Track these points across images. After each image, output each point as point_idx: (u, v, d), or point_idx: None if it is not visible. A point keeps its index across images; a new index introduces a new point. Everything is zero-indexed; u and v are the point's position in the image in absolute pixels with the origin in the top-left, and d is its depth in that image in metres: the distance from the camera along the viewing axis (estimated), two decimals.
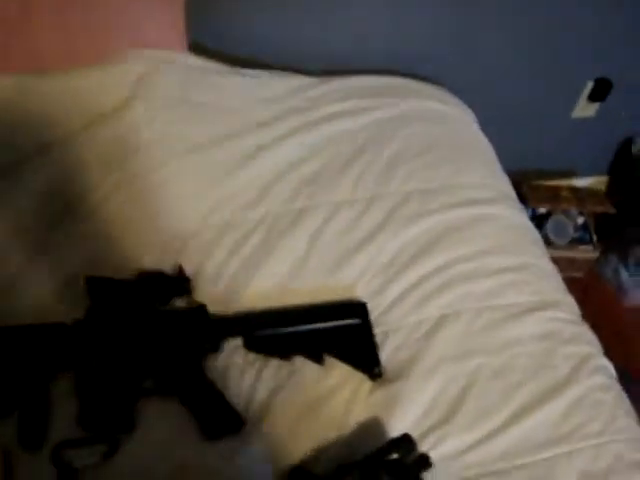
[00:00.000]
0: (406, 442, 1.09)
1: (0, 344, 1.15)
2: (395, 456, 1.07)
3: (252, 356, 1.23)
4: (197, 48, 1.66)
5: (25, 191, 1.35)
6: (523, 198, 2.14)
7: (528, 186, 2.35)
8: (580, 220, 2.38)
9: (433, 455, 1.11)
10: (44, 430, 1.12)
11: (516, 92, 2.18)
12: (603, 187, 2.65)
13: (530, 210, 2.29)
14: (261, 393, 1.19)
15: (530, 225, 1.57)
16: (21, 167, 1.38)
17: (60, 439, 1.11)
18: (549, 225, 2.33)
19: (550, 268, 1.46)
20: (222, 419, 1.15)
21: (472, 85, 1.91)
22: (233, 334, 1.22)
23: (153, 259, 1.31)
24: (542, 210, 2.37)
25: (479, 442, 1.18)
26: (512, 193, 1.64)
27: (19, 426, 1.11)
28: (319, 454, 1.14)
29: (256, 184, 1.44)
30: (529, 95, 2.21)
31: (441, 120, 1.70)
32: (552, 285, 1.42)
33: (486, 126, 1.79)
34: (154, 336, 1.19)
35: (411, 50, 1.94)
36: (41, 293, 1.25)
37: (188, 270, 1.28)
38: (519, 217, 1.56)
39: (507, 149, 1.75)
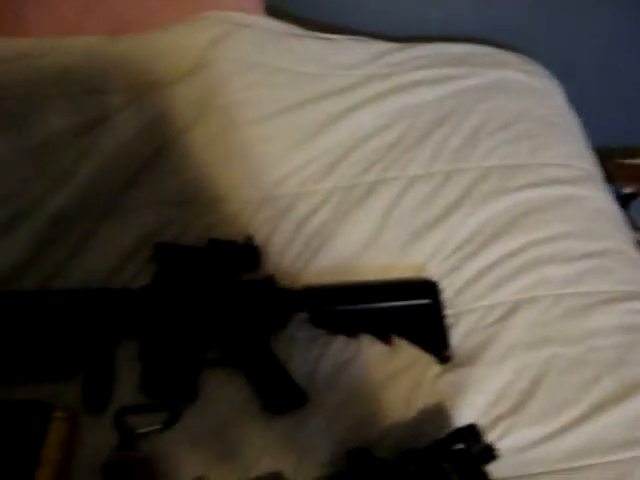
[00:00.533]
0: (472, 433, 1.04)
1: (66, 306, 1.16)
2: (460, 446, 1.03)
3: (318, 331, 1.20)
4: (274, 11, 1.61)
5: (96, 153, 1.34)
6: (608, 177, 2.02)
7: (614, 164, 2.23)
8: None
9: (499, 446, 1.06)
10: (108, 393, 1.13)
11: (605, 63, 2.06)
12: None
13: (614, 190, 2.18)
14: (325, 370, 1.17)
15: (616, 208, 1.49)
16: (94, 127, 1.37)
17: (123, 404, 1.12)
18: (634, 207, 2.21)
19: (636, 256, 1.38)
20: (285, 394, 1.13)
21: (558, 55, 1.80)
22: (300, 308, 1.19)
23: (223, 227, 1.29)
24: (628, 190, 2.25)
25: (548, 437, 1.13)
26: (598, 173, 1.56)
27: (84, 388, 1.12)
28: (381, 436, 1.11)
29: (330, 154, 1.40)
30: (619, 66, 2.08)
31: (526, 92, 1.61)
32: (638, 275, 1.34)
33: (572, 98, 1.69)
34: (221, 306, 1.17)
35: (496, 16, 1.84)
36: (109, 257, 1.25)
37: (257, 240, 1.25)
38: (604, 199, 1.48)
39: (593, 123, 1.66)
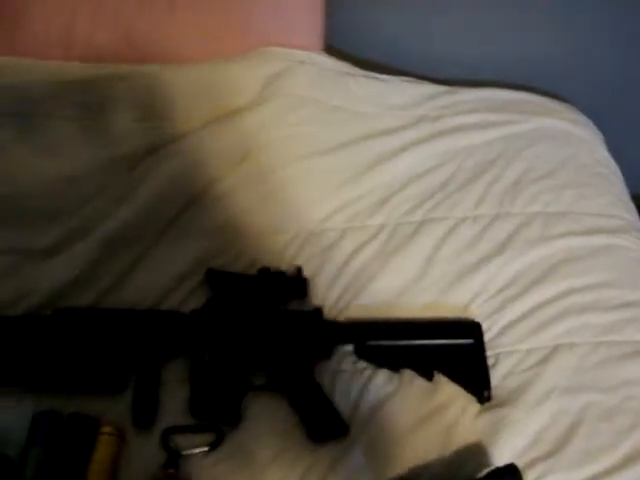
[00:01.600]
0: (512, 472, 1.06)
1: (118, 324, 1.20)
2: None
3: (362, 364, 1.23)
4: (331, 51, 1.66)
5: (151, 180, 1.38)
6: None
7: None
8: None
9: None
10: (155, 411, 1.16)
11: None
12: None
13: None
14: (367, 403, 1.19)
15: None
16: (148, 157, 1.42)
17: (170, 424, 1.15)
18: None
19: None
20: (328, 423, 1.15)
21: (600, 104, 1.83)
22: (346, 341, 1.22)
23: (272, 257, 1.32)
24: None
25: None
26: (638, 223, 1.58)
27: (133, 404, 1.16)
28: (420, 471, 1.13)
29: (378, 192, 1.43)
30: None
31: (569, 141, 1.64)
32: None
33: (612, 147, 1.72)
34: (269, 334, 1.21)
35: (540, 65, 1.88)
36: (160, 281, 1.29)
37: (305, 272, 1.29)
38: None
39: (630, 171, 1.69)
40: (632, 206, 1.60)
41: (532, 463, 1.14)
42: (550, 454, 1.16)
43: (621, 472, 1.16)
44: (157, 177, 1.39)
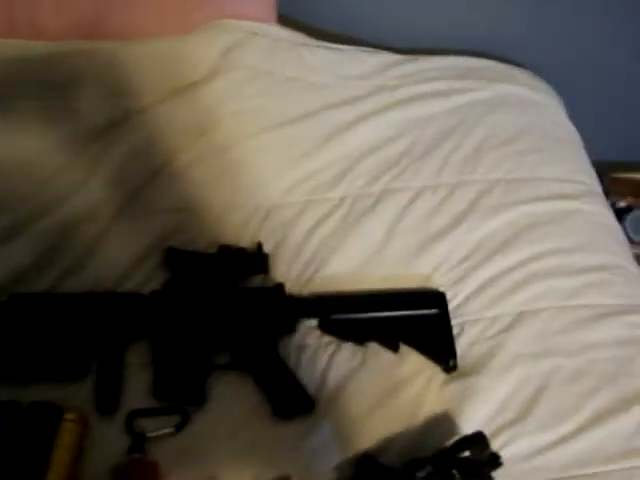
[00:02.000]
0: (479, 440, 1.06)
1: (77, 309, 1.17)
2: (467, 454, 1.04)
3: (326, 339, 1.22)
4: (284, 21, 1.63)
5: (109, 158, 1.35)
6: (603, 191, 2.05)
7: (608, 178, 2.25)
8: None
9: (502, 455, 1.08)
10: (118, 395, 1.14)
11: (603, 78, 2.08)
12: None
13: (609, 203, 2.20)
14: (333, 377, 1.18)
15: (616, 224, 1.52)
16: (107, 135, 1.38)
17: (133, 408, 1.13)
18: (628, 220, 2.24)
19: (636, 271, 1.41)
20: (294, 400, 1.14)
21: (559, 70, 1.82)
22: (309, 315, 1.21)
23: (233, 233, 1.30)
24: (621, 204, 2.28)
25: (549, 446, 1.16)
26: (598, 188, 1.59)
27: (95, 390, 1.13)
28: (388, 444, 1.13)
29: (338, 163, 1.41)
30: (615, 79, 2.10)
31: (530, 107, 1.64)
32: (637, 289, 1.37)
33: (571, 114, 1.72)
34: (231, 312, 1.19)
35: (498, 31, 1.86)
36: (119, 261, 1.26)
37: (266, 247, 1.27)
38: (605, 214, 1.51)
39: (588, 138, 1.69)
40: (593, 172, 1.61)
41: (499, 430, 1.15)
42: (516, 420, 1.17)
43: (585, 434, 1.17)
44: (114, 155, 1.35)
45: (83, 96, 1.41)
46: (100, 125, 1.38)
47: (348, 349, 1.21)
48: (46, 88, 1.42)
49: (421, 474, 1.01)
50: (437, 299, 1.25)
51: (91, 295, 1.20)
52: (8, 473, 1.06)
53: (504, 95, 1.63)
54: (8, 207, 1.29)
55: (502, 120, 1.57)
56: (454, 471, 1.01)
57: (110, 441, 1.11)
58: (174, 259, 1.23)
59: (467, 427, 1.14)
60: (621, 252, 1.44)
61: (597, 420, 1.19)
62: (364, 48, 1.64)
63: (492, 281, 1.31)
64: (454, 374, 1.20)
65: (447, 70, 1.63)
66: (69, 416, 1.10)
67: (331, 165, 1.41)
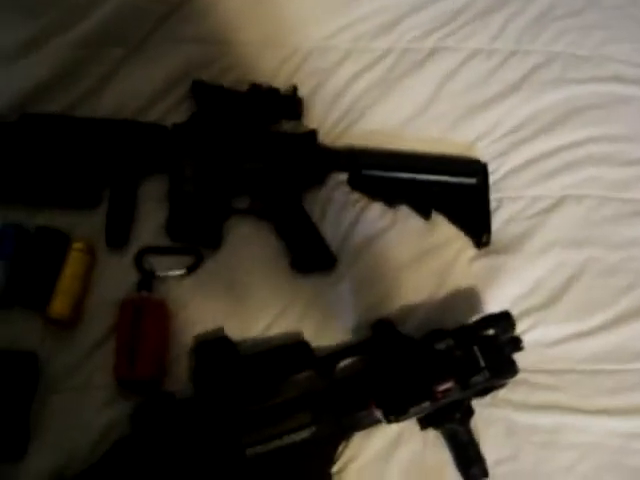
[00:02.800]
0: (505, 320, 1.02)
1: (93, 134, 1.10)
2: (490, 332, 0.99)
3: (355, 195, 1.16)
4: None
5: None
6: None
7: None
8: None
9: (525, 338, 1.04)
10: (129, 229, 1.09)
11: None
12: None
13: None
14: (358, 236, 1.14)
15: None
16: None
17: (145, 244, 1.09)
18: None
19: None
20: (314, 253, 1.10)
21: None
22: (340, 168, 1.14)
23: (266, 72, 1.21)
24: None
25: (575, 337, 1.13)
26: None
27: (107, 220, 1.08)
28: (408, 312, 1.10)
29: (391, 11, 1.30)
30: None
31: None
32: None
33: None
34: (257, 155, 1.12)
35: None
36: (141, 90, 1.18)
37: (302, 91, 1.18)
38: None
39: None
40: None
41: (526, 312, 1.12)
42: (544, 306, 1.14)
43: (612, 329, 1.14)
44: None
45: None
46: None
47: (377, 209, 1.16)
48: None
49: (440, 346, 0.97)
50: (477, 169, 1.18)
51: (109, 121, 1.12)
52: (14, 296, 1.03)
53: None
54: (27, 18, 1.19)
55: None
56: (475, 347, 0.97)
57: (118, 276, 1.07)
58: (201, 92, 1.14)
59: (492, 306, 1.10)
60: None
61: (627, 317, 1.15)
62: None
63: (538, 159, 1.24)
64: (486, 250, 1.15)
65: None
66: (77, 245, 1.06)
67: (381, 12, 1.30)
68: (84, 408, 1.00)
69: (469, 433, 1.00)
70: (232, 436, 0.93)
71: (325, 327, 1.07)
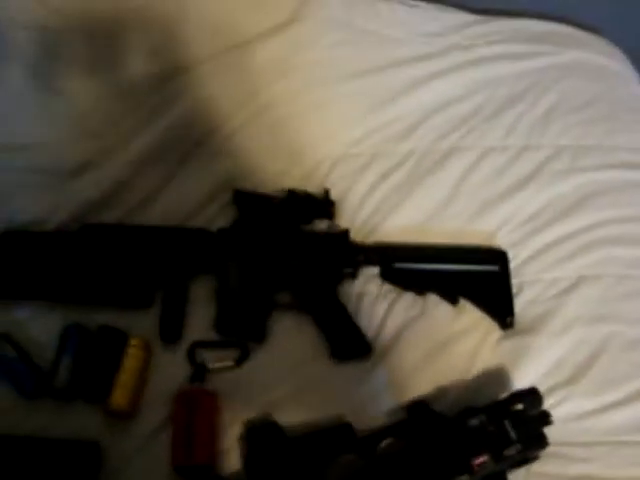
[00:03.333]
0: (533, 395, 1.08)
1: (148, 241, 1.21)
2: (520, 407, 1.06)
3: (387, 287, 1.24)
4: None
5: (178, 103, 1.37)
6: None
7: None
8: None
9: (553, 414, 1.09)
10: (181, 325, 1.18)
11: None
12: None
13: None
14: (392, 325, 1.21)
15: None
16: (179, 77, 1.40)
17: (196, 339, 1.17)
18: None
19: None
20: (352, 343, 1.17)
21: (634, 39, 1.77)
22: (372, 263, 1.23)
23: (299, 181, 1.32)
24: None
25: (601, 410, 1.17)
26: None
27: (160, 318, 1.18)
28: (441, 393, 1.16)
29: (408, 118, 1.42)
30: None
31: (603, 75, 1.60)
32: None
33: None
34: (296, 254, 1.21)
35: None
36: (186, 201, 1.29)
37: (333, 194, 1.28)
38: None
39: None
40: None
41: (552, 389, 1.17)
42: (570, 381, 1.19)
43: (636, 402, 1.18)
44: (187, 98, 1.38)
45: (148, 39, 1.43)
46: (168, 69, 1.40)
47: (408, 299, 1.24)
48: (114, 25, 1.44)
49: (474, 422, 1.03)
50: (498, 257, 1.26)
51: (160, 228, 1.24)
52: (77, 390, 1.12)
53: (578, 61, 1.60)
54: (83, 143, 1.33)
55: (574, 86, 1.54)
56: (506, 422, 1.03)
57: (172, 370, 1.16)
58: (242, 200, 1.26)
59: (520, 384, 1.16)
60: None
61: None
62: (440, 6, 1.62)
63: (554, 244, 1.32)
64: (510, 331, 1.22)
65: (521, 33, 1.61)
66: (134, 342, 1.15)
67: (400, 119, 1.42)
68: None
69: None
70: None
71: (364, 411, 1.13)
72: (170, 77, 1.41)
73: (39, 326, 1.18)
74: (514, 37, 1.58)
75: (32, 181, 1.28)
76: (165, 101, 1.37)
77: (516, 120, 1.45)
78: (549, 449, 1.04)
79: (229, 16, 1.47)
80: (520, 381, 1.17)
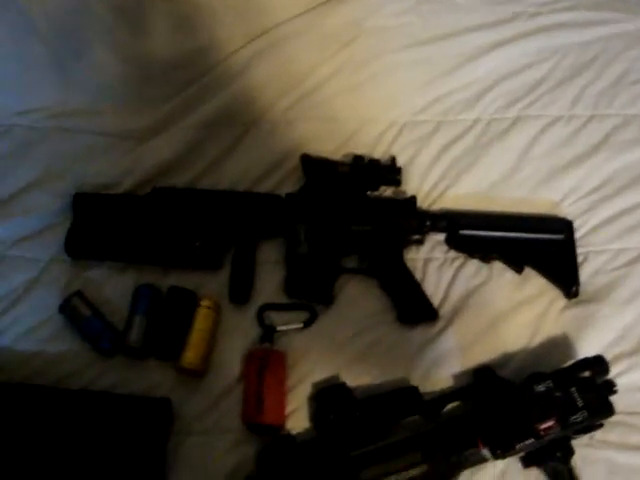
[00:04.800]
0: (600, 363, 1.09)
1: (217, 204, 1.24)
2: (586, 374, 1.07)
3: (453, 254, 1.26)
4: None
5: (247, 71, 1.39)
6: None
7: None
8: None
9: (618, 382, 1.10)
10: (250, 287, 1.22)
11: None
12: None
13: None
14: (457, 291, 1.23)
15: None
16: (248, 45, 1.41)
17: (265, 301, 1.21)
18: None
19: None
20: (418, 307, 1.20)
21: None
22: (438, 229, 1.25)
23: (367, 146, 1.34)
24: None
25: None
26: None
27: (230, 280, 1.21)
28: (507, 359, 1.18)
29: (474, 86, 1.41)
30: None
31: None
32: None
33: None
34: (363, 219, 1.23)
35: None
36: (256, 164, 1.32)
37: (399, 161, 1.29)
38: None
39: None
40: None
41: (617, 358, 1.18)
42: (635, 351, 1.20)
43: None
44: (255, 65, 1.40)
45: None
46: (243, 33, 1.42)
47: (473, 265, 1.25)
48: None
49: (540, 388, 1.05)
50: (564, 226, 1.27)
51: (230, 192, 1.27)
52: (150, 348, 1.16)
53: None
54: (151, 107, 1.36)
55: None
56: (572, 389, 1.04)
57: (241, 330, 1.20)
58: (310, 165, 1.27)
59: (584, 352, 1.17)
60: None
61: None
62: None
63: (620, 215, 1.31)
64: (575, 300, 1.23)
65: (587, 0, 1.58)
66: (205, 302, 1.19)
67: (466, 87, 1.41)
68: (214, 449, 1.11)
69: (570, 472, 1.06)
70: (351, 475, 1.01)
71: (430, 374, 1.16)
72: (242, 43, 1.42)
73: (112, 286, 1.23)
74: (580, 4, 1.54)
75: (105, 144, 1.32)
76: (235, 67, 1.39)
77: (582, 89, 1.43)
78: (613, 418, 1.05)
79: None
80: (584, 350, 1.18)
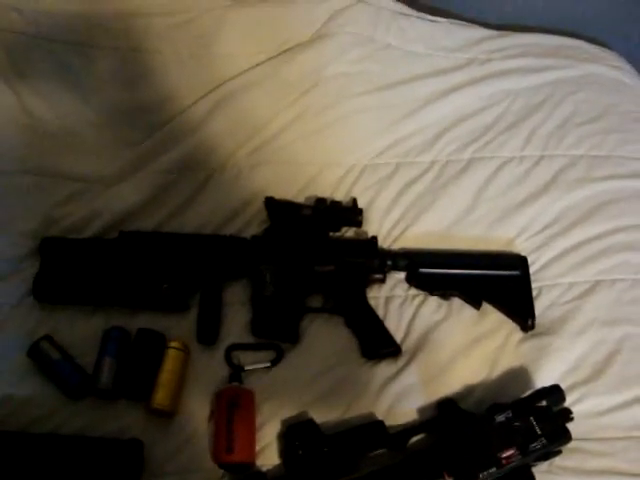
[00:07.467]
0: (556, 393, 1.13)
1: (183, 247, 1.27)
2: (544, 403, 1.11)
3: (413, 291, 1.30)
4: None
5: (213, 117, 1.44)
6: None
7: None
8: None
9: (575, 410, 1.14)
10: (218, 328, 1.24)
11: None
12: None
13: None
14: (419, 327, 1.27)
15: None
16: (211, 93, 1.47)
17: (232, 342, 1.23)
18: None
19: None
20: (381, 343, 1.23)
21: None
22: (399, 268, 1.29)
23: (328, 188, 1.39)
24: None
25: (621, 406, 1.22)
26: None
27: (198, 321, 1.23)
28: (468, 391, 1.21)
29: (430, 129, 1.48)
30: None
31: (616, 88, 1.66)
32: None
33: None
34: (327, 260, 1.27)
35: (588, 12, 1.87)
36: (221, 208, 1.36)
37: (360, 202, 1.33)
38: None
39: None
40: None
41: (572, 387, 1.22)
42: (589, 380, 1.24)
43: None
44: (218, 113, 1.44)
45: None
46: (205, 81, 1.47)
47: (433, 302, 1.30)
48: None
49: (501, 418, 1.09)
50: (519, 262, 1.32)
51: (196, 236, 1.30)
52: (120, 390, 1.17)
53: (591, 75, 1.65)
54: (122, 151, 1.39)
55: (587, 99, 1.60)
56: (531, 418, 1.08)
57: (210, 371, 1.21)
58: (274, 208, 1.31)
59: (542, 382, 1.21)
60: None
61: None
62: (458, 21, 1.69)
63: (571, 250, 1.37)
64: (531, 333, 1.28)
65: (536, 47, 1.67)
66: (173, 344, 1.20)
67: (423, 131, 1.48)
68: None
69: None
70: None
71: (395, 408, 1.19)
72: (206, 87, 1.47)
73: (80, 329, 1.24)
74: (529, 51, 1.64)
75: (72, 189, 1.34)
76: (206, 112, 1.44)
77: (532, 131, 1.51)
78: (570, 444, 1.09)
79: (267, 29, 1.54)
80: (541, 380, 1.22)
